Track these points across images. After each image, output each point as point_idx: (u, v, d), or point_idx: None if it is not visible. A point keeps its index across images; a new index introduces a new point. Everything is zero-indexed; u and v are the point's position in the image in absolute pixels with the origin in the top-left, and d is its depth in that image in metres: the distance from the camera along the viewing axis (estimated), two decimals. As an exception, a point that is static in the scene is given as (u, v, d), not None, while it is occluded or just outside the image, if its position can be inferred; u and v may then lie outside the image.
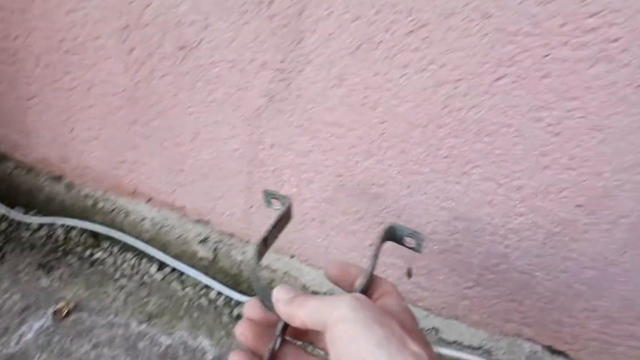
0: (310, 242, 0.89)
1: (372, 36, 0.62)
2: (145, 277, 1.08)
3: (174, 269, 1.09)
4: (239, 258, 0.99)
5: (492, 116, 0.62)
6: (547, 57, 0.55)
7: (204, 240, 1.00)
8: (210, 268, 1.04)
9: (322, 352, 0.45)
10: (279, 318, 0.44)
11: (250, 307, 0.48)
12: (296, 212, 0.84)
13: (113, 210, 1.07)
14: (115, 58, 0.82)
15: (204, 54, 0.75)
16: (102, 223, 1.10)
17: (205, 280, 1.05)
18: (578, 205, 0.65)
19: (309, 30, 0.65)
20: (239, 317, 1.01)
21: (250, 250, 0.97)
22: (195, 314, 1.02)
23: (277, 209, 0.62)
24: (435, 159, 0.69)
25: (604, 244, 0.66)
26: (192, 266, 1.05)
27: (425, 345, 0.40)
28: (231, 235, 0.97)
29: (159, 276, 1.08)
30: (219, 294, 1.05)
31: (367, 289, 0.48)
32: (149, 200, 1.01)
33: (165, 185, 0.96)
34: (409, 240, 0.55)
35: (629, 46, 0.51)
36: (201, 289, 1.06)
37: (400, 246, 0.55)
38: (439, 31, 0.58)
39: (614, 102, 0.55)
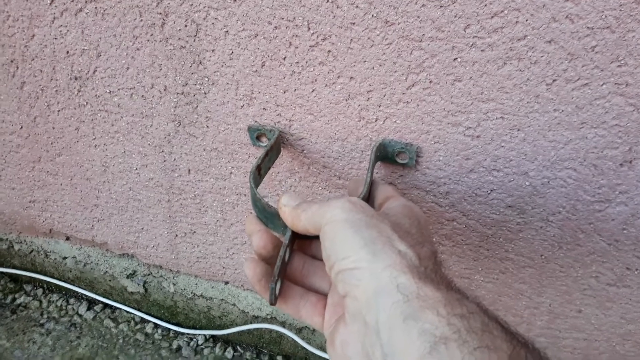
0: (243, 267, 0.84)
1: (275, 52, 0.58)
2: (75, 318, 1.02)
3: (105, 306, 1.03)
4: (171, 289, 0.93)
5: (410, 124, 0.59)
6: (456, 61, 0.52)
7: (131, 275, 0.94)
8: (142, 302, 0.98)
9: None
10: (281, 236, 0.46)
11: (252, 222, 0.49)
12: (224, 237, 0.80)
13: (31, 251, 1.00)
14: (6, 95, 0.75)
15: (100, 84, 0.69)
16: (22, 266, 1.03)
17: (140, 314, 0.99)
18: (508, 206, 0.62)
19: (207, 51, 0.61)
20: (178, 349, 0.96)
21: (182, 280, 0.92)
22: (132, 351, 0.96)
23: (264, 145, 0.65)
24: (358, 171, 0.66)
25: (539, 242, 0.65)
26: (124, 302, 0.99)
27: (417, 245, 0.40)
28: (159, 267, 0.92)
29: (89, 315, 1.02)
30: (156, 327, 1.00)
31: (370, 196, 0.53)
32: (68, 238, 0.94)
33: (82, 222, 0.89)
34: (402, 157, 0.60)
35: (535, 44, 0.49)
36: (136, 324, 1.01)
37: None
38: (342, 43, 0.55)
39: (530, 100, 0.53)
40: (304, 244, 0.49)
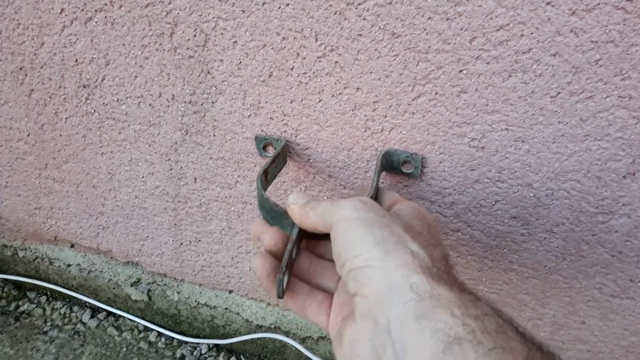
0: (248, 275, 0.85)
1: (283, 63, 0.59)
2: (79, 326, 1.02)
3: (109, 314, 1.03)
4: (175, 298, 0.93)
5: (416, 135, 0.59)
6: (462, 73, 0.53)
7: (136, 283, 0.95)
8: (146, 311, 0.98)
9: None
10: (289, 233, 0.46)
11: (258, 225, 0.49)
12: (229, 245, 0.80)
13: (35, 258, 1.00)
14: (14, 102, 0.76)
15: (108, 92, 0.70)
16: (26, 273, 1.03)
17: (143, 323, 1.00)
18: (513, 217, 0.63)
19: (216, 60, 0.61)
20: (181, 358, 0.96)
21: (186, 289, 0.92)
22: (135, 360, 0.96)
23: (270, 155, 0.66)
24: (364, 181, 0.66)
25: (543, 253, 0.65)
26: (127, 310, 0.99)
27: (429, 246, 0.39)
28: (164, 275, 0.92)
29: (93, 323, 1.02)
30: (159, 335, 1.00)
31: (376, 201, 0.51)
32: (72, 245, 0.95)
33: (87, 230, 0.90)
34: (407, 166, 0.61)
35: (540, 57, 0.49)
36: (139, 332, 1.01)
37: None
38: (349, 54, 0.55)
39: (534, 113, 0.53)
40: (311, 243, 0.50)
